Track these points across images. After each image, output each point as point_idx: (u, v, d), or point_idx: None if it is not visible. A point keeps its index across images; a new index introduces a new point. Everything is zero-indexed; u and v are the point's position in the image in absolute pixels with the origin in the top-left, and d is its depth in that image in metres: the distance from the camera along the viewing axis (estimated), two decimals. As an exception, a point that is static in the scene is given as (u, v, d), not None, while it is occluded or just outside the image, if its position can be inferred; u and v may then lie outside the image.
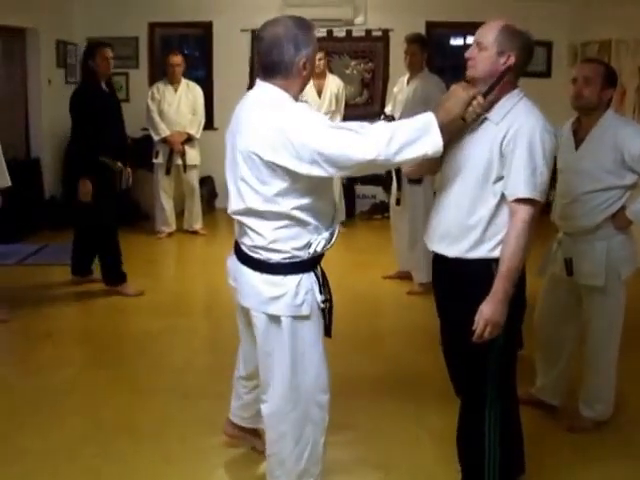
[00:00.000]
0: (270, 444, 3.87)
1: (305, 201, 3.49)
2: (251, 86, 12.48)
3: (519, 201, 3.41)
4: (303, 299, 3.59)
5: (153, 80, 11.37)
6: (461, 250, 3.58)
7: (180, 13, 11.36)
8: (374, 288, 7.72)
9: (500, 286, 3.42)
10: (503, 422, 3.70)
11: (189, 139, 9.88)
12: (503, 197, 3.47)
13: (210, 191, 11.26)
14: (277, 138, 3.36)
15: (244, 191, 3.53)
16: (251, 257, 3.65)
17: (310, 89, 9.96)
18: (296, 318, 3.61)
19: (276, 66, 3.53)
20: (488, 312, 3.42)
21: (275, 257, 3.58)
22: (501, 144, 3.46)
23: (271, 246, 3.56)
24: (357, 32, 11.48)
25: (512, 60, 3.51)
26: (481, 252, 3.53)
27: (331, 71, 10.33)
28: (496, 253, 3.49)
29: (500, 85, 3.51)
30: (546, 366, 4.99)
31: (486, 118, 3.56)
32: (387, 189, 8.77)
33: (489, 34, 3.63)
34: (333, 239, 3.63)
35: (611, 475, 4.35)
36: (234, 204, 3.61)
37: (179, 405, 5.08)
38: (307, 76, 3.58)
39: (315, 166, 3.34)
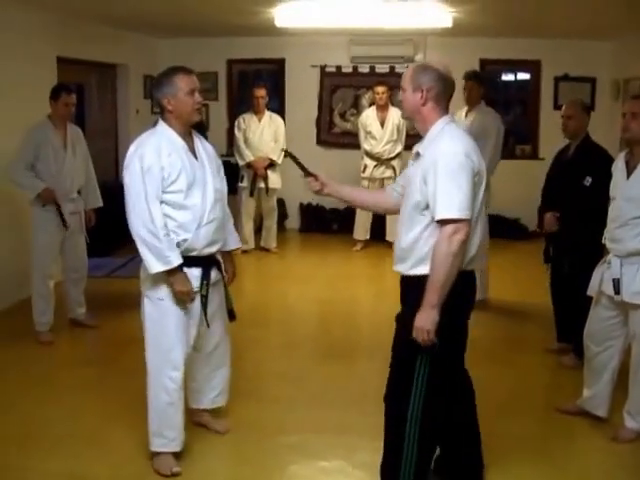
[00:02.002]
0: None
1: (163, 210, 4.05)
2: (319, 117, 12.59)
3: (441, 222, 3.49)
4: (158, 284, 4.13)
5: (231, 111, 11.52)
6: (407, 268, 3.70)
7: (256, 50, 11.48)
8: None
9: (427, 296, 3.52)
10: (423, 425, 3.71)
11: (271, 164, 9.95)
12: (431, 221, 3.56)
13: (281, 212, 11.31)
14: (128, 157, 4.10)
15: None
16: None
17: (374, 120, 10.03)
18: (149, 298, 4.22)
19: (159, 107, 4.18)
20: (417, 320, 3.54)
21: None
22: (425, 173, 3.56)
23: None
24: (417, 68, 11.46)
25: (426, 94, 3.63)
26: (420, 270, 3.62)
27: (393, 104, 10.33)
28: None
29: (425, 118, 3.68)
30: (592, 378, 4.91)
31: (418, 152, 3.71)
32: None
33: (406, 77, 3.74)
34: (183, 243, 4.09)
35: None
36: None
37: (254, 408, 5.10)
38: (180, 109, 4.09)
39: None
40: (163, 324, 4.19)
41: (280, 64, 11.82)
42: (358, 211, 10.40)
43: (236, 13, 8.78)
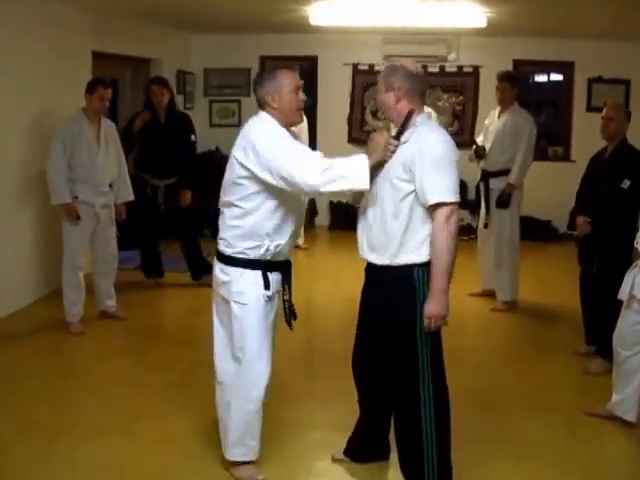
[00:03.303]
0: (218, 409, 4.19)
1: (259, 211, 3.86)
2: (351, 115, 12.52)
3: (434, 207, 3.61)
4: (243, 289, 3.94)
5: (263, 108, 11.50)
6: (386, 258, 3.77)
7: (289, 47, 11.46)
8: (461, 304, 7.64)
9: (435, 283, 3.63)
10: (438, 418, 3.78)
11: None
12: (414, 209, 3.68)
13: (311, 209, 11.31)
14: (249, 146, 3.79)
15: (223, 188, 4.00)
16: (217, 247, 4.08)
17: (405, 119, 9.95)
18: (237, 303, 3.96)
19: (258, 100, 3.97)
20: (431, 308, 3.64)
21: (228, 251, 3.98)
22: (409, 162, 3.65)
23: (229, 240, 3.98)
24: (450, 68, 11.44)
25: (395, 92, 3.78)
26: (404, 259, 3.72)
27: (425, 103, 10.29)
28: (415, 258, 3.70)
29: (399, 113, 3.79)
30: (621, 382, 4.86)
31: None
32: (475, 213, 8.71)
33: (380, 79, 3.90)
34: (275, 249, 3.93)
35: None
36: (221, 196, 4.04)
37: (283, 404, 5.06)
38: (284, 106, 3.91)
39: (269, 175, 3.73)
40: (254, 331, 4.00)
41: (312, 61, 11.83)
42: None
43: (271, 10, 8.79)
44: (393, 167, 3.72)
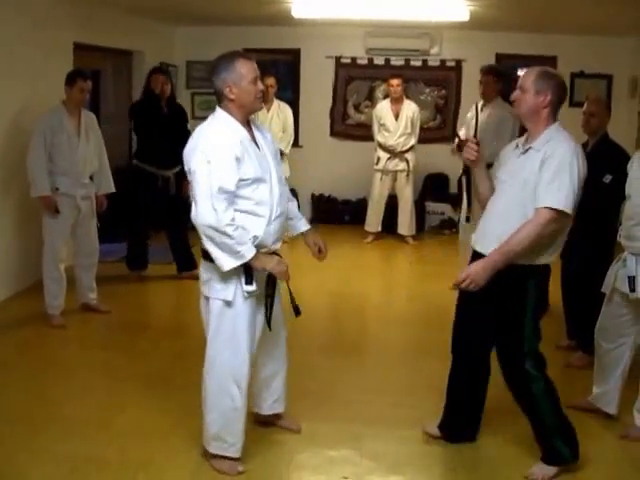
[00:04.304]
0: (202, 401, 4.11)
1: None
2: (333, 108, 12.44)
3: (540, 208, 3.81)
4: (224, 286, 3.88)
5: (246, 100, 11.47)
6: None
7: (271, 40, 11.44)
8: (444, 298, 7.62)
9: (493, 257, 3.86)
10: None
11: (280, 154, 9.84)
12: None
13: (294, 202, 11.30)
14: (187, 154, 3.84)
15: None
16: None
17: (388, 113, 9.97)
18: (218, 300, 3.91)
19: (217, 94, 3.91)
20: (473, 269, 3.90)
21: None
22: (539, 167, 3.87)
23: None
24: (432, 62, 11.44)
25: (549, 98, 3.97)
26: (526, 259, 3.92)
27: (407, 97, 10.30)
28: (530, 261, 3.91)
29: (541, 119, 4.01)
30: (603, 375, 4.87)
31: (530, 147, 4.01)
32: (456, 206, 8.72)
33: (528, 79, 4.06)
34: (257, 241, 3.86)
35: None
36: None
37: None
38: (243, 98, 3.90)
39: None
40: (233, 329, 3.94)
41: (295, 54, 11.80)
42: (370, 203, 10.37)
43: (254, 3, 8.76)
44: (524, 169, 3.93)
